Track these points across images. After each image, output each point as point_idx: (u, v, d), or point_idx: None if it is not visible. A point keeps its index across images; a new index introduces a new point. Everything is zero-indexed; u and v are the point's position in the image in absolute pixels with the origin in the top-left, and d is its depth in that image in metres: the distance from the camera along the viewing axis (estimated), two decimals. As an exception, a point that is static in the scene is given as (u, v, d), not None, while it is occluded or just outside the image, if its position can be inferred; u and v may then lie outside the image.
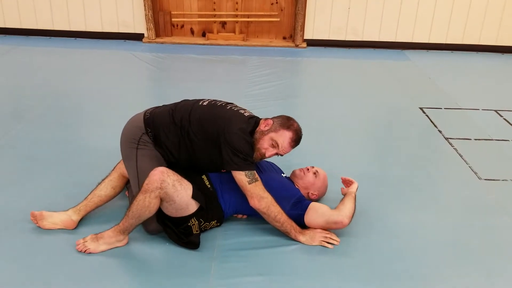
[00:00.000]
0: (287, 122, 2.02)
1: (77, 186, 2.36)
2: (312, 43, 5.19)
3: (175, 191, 1.81)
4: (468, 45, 5.15)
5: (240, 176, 1.90)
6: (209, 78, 4.09)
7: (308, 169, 2.24)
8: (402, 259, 1.94)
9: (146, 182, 1.80)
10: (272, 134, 1.97)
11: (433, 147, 2.96)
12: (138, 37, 5.17)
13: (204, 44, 5.15)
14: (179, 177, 1.86)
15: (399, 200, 2.37)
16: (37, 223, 2.01)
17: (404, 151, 2.92)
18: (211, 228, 2.02)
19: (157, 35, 5.19)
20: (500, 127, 3.27)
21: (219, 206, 2.00)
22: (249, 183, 1.90)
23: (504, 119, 3.41)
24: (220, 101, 2.13)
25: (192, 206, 1.89)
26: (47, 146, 2.76)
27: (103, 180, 2.15)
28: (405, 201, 2.37)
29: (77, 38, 5.15)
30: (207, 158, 2.03)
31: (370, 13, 5.05)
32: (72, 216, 2.02)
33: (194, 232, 1.91)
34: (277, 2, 5.14)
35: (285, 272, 1.83)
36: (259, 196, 1.90)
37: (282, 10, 5.17)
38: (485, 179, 2.58)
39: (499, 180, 2.58)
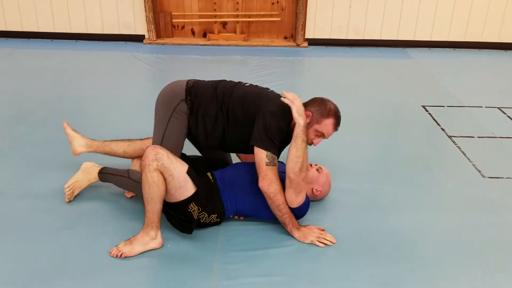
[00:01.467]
0: (325, 110, 2.05)
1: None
2: (313, 42, 5.17)
3: (171, 162, 1.85)
4: (470, 42, 5.12)
5: (261, 155, 1.91)
6: (211, 79, 4.06)
7: (311, 165, 2.23)
8: (405, 258, 1.92)
9: (141, 161, 1.87)
10: (316, 126, 2.04)
11: (436, 145, 2.94)
12: (139, 38, 5.16)
13: (205, 45, 5.14)
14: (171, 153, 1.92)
15: (402, 199, 2.35)
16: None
17: (407, 150, 2.90)
18: (210, 222, 2.01)
19: (158, 36, 5.19)
20: (504, 125, 3.24)
21: (221, 200, 2.01)
22: (266, 164, 1.91)
23: (508, 116, 3.38)
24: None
25: (190, 185, 1.90)
26: (50, 148, 2.76)
27: (124, 140, 2.38)
28: (409, 199, 2.35)
29: (78, 40, 5.15)
30: (239, 136, 2.05)
31: (371, 12, 5.03)
32: (83, 148, 2.36)
33: (195, 218, 1.93)
34: (277, 2, 5.13)
35: (287, 273, 1.81)
36: (270, 180, 1.91)
37: (283, 9, 5.16)
38: (489, 177, 2.56)
39: (503, 178, 2.56)
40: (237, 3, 5.12)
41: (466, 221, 2.19)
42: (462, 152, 2.83)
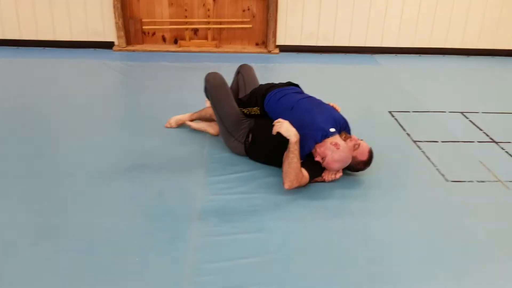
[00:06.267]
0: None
1: (47, 199, 2.33)
2: (284, 48, 5.23)
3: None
4: (435, 48, 5.28)
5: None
6: (183, 86, 4.08)
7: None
8: (373, 264, 1.97)
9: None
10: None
11: (402, 150, 3.02)
12: (108, 45, 5.11)
13: (176, 52, 5.13)
14: None
15: (369, 204, 2.41)
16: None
17: (374, 154, 2.96)
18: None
19: (128, 43, 5.15)
20: (466, 129, 3.36)
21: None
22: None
23: (470, 121, 3.51)
24: None
25: None
26: (15, 161, 2.70)
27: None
28: (375, 204, 2.41)
29: (46, 48, 5.06)
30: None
31: (340, 19, 5.13)
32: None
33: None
34: (248, 9, 5.17)
35: (258, 283, 1.84)
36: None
37: (254, 16, 5.20)
38: (452, 181, 2.65)
39: (465, 181, 2.65)
40: (208, 10, 5.13)
41: (431, 224, 2.26)
42: (427, 157, 2.92)
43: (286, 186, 2.35)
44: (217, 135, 3.02)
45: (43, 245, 2.00)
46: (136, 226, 2.16)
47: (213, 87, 2.75)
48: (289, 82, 2.91)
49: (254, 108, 2.76)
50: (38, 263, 1.90)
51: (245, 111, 2.80)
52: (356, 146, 2.50)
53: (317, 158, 2.43)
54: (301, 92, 2.83)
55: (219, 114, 2.76)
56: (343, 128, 2.60)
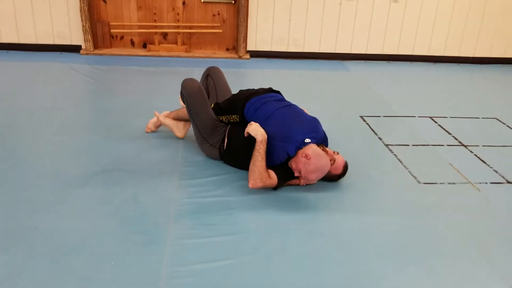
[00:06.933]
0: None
1: (18, 203, 2.23)
2: (255, 54, 5.24)
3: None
4: (402, 55, 5.42)
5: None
6: (152, 91, 4.01)
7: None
8: (349, 264, 1.97)
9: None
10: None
11: (374, 154, 3.06)
12: (75, 48, 4.98)
13: (145, 56, 5.05)
14: None
15: (344, 206, 2.42)
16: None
17: (347, 159, 2.97)
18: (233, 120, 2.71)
19: (96, 46, 5.03)
20: (435, 133, 3.44)
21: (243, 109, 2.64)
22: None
23: (439, 125, 3.60)
24: None
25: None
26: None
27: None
28: (350, 206, 2.42)
29: (9, 51, 4.88)
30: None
31: (310, 25, 5.19)
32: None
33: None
34: (218, 14, 5.15)
35: (235, 285, 1.80)
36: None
37: (224, 21, 5.19)
38: (424, 183, 2.69)
39: (437, 183, 2.70)
40: (178, 14, 5.09)
41: (405, 225, 2.29)
42: (399, 160, 2.96)
43: (250, 184, 2.34)
44: (182, 138, 2.99)
45: (14, 250, 1.91)
46: (111, 230, 2.08)
47: (189, 94, 2.69)
48: (270, 88, 2.85)
49: (234, 115, 2.70)
50: (10, 268, 1.80)
51: (223, 119, 2.74)
52: (332, 162, 2.48)
53: (297, 174, 2.41)
54: (282, 100, 2.78)
55: (195, 121, 2.71)
56: (321, 141, 2.55)
